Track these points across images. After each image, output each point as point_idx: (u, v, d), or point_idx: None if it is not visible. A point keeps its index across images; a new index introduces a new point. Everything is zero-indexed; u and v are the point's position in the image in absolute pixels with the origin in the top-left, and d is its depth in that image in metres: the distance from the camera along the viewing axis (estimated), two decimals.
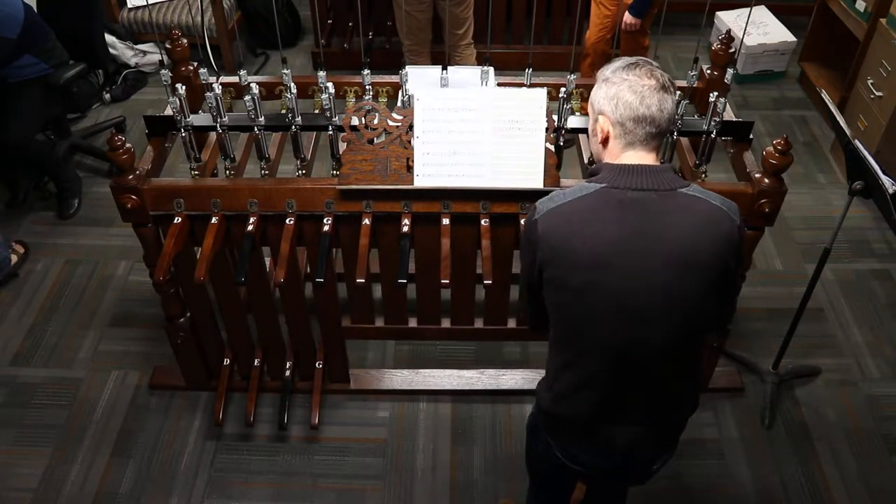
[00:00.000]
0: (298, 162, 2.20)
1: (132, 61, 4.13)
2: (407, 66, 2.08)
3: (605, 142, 1.48)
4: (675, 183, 1.42)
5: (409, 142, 1.96)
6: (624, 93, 1.41)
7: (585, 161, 2.28)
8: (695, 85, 2.39)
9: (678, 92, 1.42)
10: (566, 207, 1.42)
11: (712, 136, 2.11)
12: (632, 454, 1.59)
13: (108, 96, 3.99)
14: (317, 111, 2.32)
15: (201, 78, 2.23)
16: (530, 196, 2.04)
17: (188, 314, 2.39)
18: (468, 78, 2.20)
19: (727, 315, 1.66)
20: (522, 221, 2.05)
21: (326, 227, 2.09)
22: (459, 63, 3.49)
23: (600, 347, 1.46)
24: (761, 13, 4.30)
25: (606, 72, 1.47)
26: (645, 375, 1.49)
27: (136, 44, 4.15)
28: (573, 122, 2.15)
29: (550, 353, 1.58)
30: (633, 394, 1.51)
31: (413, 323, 2.53)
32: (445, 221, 2.08)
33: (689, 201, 1.41)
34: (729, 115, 2.24)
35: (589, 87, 2.35)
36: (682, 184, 1.43)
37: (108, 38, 3.85)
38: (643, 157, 1.45)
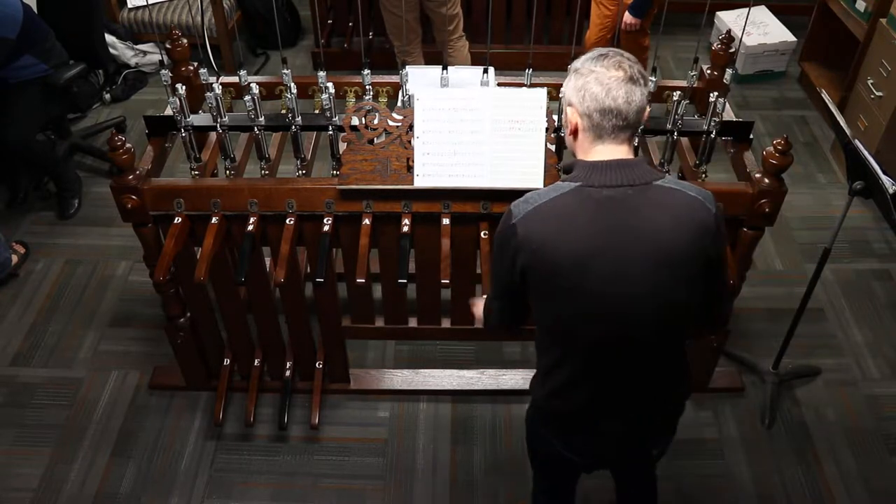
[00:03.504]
0: (298, 162, 2.19)
1: (132, 61, 4.13)
2: (407, 67, 2.08)
3: (574, 133, 1.46)
4: (649, 176, 1.40)
5: (409, 142, 1.96)
6: (591, 84, 1.38)
7: None
8: (695, 85, 2.39)
9: (650, 82, 1.40)
10: (543, 209, 1.40)
11: (712, 136, 2.11)
12: (628, 443, 1.62)
13: (108, 96, 4.00)
14: (317, 111, 2.31)
15: (201, 78, 2.23)
16: None
17: (188, 314, 2.39)
18: (468, 78, 2.19)
19: (719, 307, 1.60)
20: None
21: (326, 227, 2.09)
22: (452, 55, 3.50)
23: (587, 346, 1.46)
24: (761, 13, 4.30)
25: (577, 63, 1.44)
26: (633, 370, 1.50)
27: (136, 44, 4.15)
28: None
29: (539, 352, 1.59)
30: (623, 388, 1.52)
31: (413, 323, 2.52)
32: (445, 221, 2.08)
33: (664, 193, 1.40)
34: (729, 115, 2.24)
35: None
36: (656, 176, 1.41)
37: (108, 38, 3.84)
38: (614, 150, 1.42)
